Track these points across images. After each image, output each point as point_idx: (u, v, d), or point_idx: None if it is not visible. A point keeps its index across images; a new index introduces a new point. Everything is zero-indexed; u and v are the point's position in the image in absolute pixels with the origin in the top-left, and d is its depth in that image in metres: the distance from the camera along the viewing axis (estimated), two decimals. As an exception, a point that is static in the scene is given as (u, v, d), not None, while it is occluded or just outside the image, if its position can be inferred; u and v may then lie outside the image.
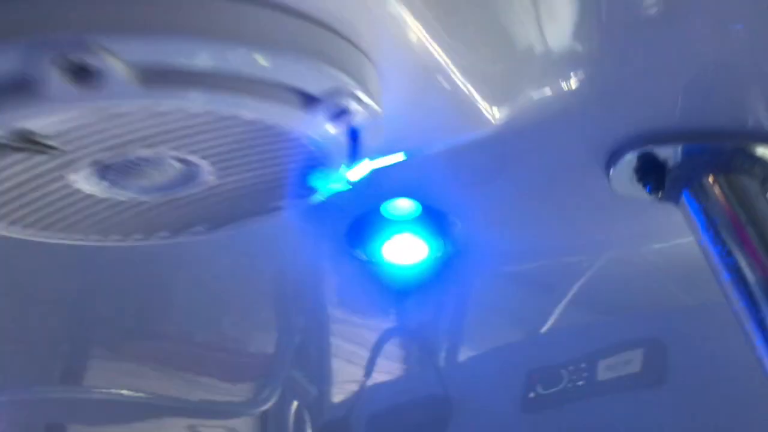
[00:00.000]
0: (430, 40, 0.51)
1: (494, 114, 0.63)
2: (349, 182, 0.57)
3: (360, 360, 1.33)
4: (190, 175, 0.52)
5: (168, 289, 1.12)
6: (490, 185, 0.78)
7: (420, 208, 0.84)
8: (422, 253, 0.88)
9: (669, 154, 0.71)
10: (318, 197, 0.57)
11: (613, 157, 0.72)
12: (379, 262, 0.89)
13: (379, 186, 0.79)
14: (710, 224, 0.71)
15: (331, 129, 0.47)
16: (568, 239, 1.03)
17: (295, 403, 1.43)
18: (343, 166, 0.53)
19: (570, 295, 1.20)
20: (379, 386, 1.38)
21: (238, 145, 0.48)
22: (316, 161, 0.52)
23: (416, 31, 0.50)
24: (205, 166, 0.51)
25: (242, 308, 1.22)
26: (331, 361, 1.38)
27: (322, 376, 1.40)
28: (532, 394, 1.19)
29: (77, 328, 1.19)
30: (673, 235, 0.96)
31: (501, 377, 1.24)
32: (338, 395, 1.43)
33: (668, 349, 1.08)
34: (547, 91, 0.63)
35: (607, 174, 0.73)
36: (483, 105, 0.61)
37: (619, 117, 0.69)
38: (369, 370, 1.33)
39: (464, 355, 1.37)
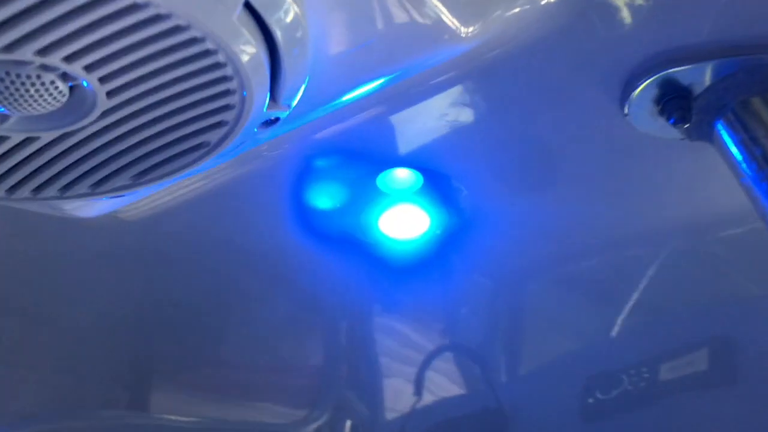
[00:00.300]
0: None
1: (467, 31, 0.51)
2: (286, 107, 0.46)
3: (410, 376, 1.23)
4: (79, 98, 0.41)
5: (224, 316, 1.07)
6: (493, 138, 0.65)
7: (420, 178, 0.72)
8: (423, 225, 0.75)
9: (694, 77, 0.57)
10: (246, 126, 0.46)
11: (627, 87, 0.59)
12: (377, 238, 0.77)
13: (372, 155, 0.69)
14: (752, 157, 0.57)
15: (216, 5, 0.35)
16: (607, 215, 0.89)
17: (348, 423, 1.34)
18: (262, 78, 0.42)
19: (632, 303, 1.06)
20: (431, 402, 1.27)
21: (115, 46, 0.38)
22: (223, 70, 0.41)
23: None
24: (92, 82, 0.41)
25: (296, 330, 1.15)
26: (382, 379, 1.29)
27: (373, 395, 1.30)
28: (590, 400, 1.09)
29: (140, 356, 1.16)
30: (741, 221, 0.84)
31: (557, 385, 1.15)
32: (391, 413, 1.33)
33: (737, 344, 0.97)
34: (522, 7, 0.51)
35: (623, 109, 0.60)
36: (451, 21, 0.50)
37: (626, 35, 0.55)
38: (420, 386, 1.23)
39: (518, 365, 1.25)
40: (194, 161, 0.49)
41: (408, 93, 0.58)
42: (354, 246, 0.82)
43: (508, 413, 1.17)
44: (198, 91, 0.42)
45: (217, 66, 0.41)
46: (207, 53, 0.40)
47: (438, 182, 0.72)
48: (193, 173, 0.60)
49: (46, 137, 0.45)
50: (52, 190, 0.49)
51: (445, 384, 1.30)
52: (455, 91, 0.59)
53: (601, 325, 1.09)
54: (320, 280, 0.98)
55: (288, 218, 0.76)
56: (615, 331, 1.08)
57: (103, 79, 0.41)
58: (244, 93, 0.42)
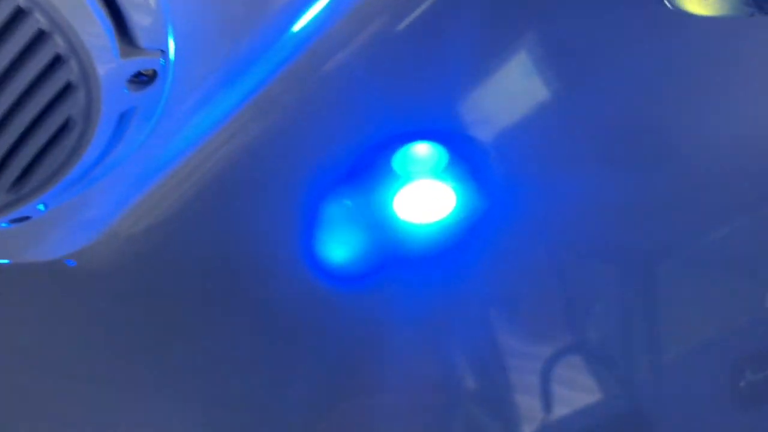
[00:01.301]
0: None
1: None
2: (156, 53, 0.34)
3: (537, 388, 1.15)
4: None
5: (364, 340, 1.00)
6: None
7: (442, 152, 0.58)
8: (447, 206, 0.61)
9: None
10: (103, 83, 0.33)
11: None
12: (394, 222, 0.63)
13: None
14: None
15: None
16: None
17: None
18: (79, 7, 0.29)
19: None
20: (565, 412, 1.18)
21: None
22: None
23: None
24: None
25: (414, 346, 1.05)
26: (510, 393, 1.19)
27: (503, 410, 1.21)
28: (742, 384, 0.99)
29: (276, 411, 1.10)
30: None
31: (701, 374, 1.03)
32: (525, 427, 1.23)
33: None
34: None
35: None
36: None
37: None
38: (548, 396, 1.14)
39: (654, 359, 1.14)
40: (74, 150, 0.37)
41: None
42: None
43: (649, 414, 1.07)
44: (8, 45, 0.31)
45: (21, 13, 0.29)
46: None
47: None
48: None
49: None
50: None
51: (574, 392, 1.19)
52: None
53: (748, 300, 0.97)
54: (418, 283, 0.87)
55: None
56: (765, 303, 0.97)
57: None
58: (65, 36, 0.30)
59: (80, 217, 0.51)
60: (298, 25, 0.43)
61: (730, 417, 0.98)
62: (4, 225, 0.41)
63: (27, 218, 0.42)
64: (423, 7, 0.49)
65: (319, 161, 0.59)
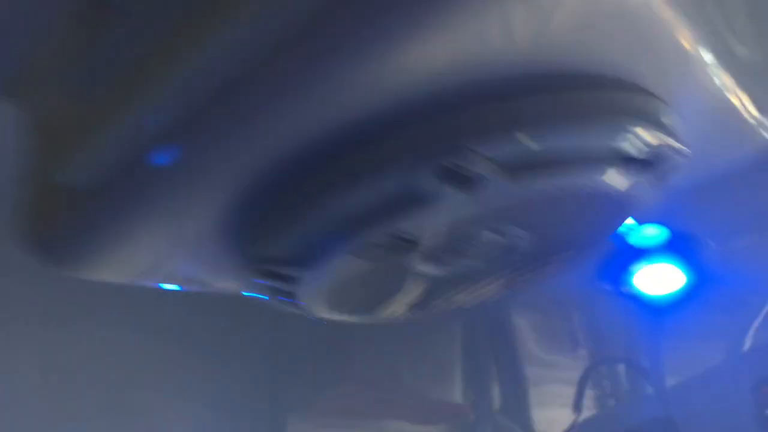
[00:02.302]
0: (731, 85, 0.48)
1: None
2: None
3: (567, 398, 1.25)
4: (510, 247, 0.51)
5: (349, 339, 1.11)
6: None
7: (667, 233, 0.79)
8: (677, 281, 0.83)
9: None
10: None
11: None
12: (633, 293, 0.84)
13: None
14: None
15: (646, 182, 0.45)
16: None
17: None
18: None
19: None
20: (593, 420, 1.30)
21: (556, 211, 0.48)
22: (624, 208, 0.50)
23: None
24: (523, 236, 0.50)
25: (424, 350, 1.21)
26: (538, 402, 1.32)
27: (532, 420, 1.32)
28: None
29: (274, 385, 1.22)
30: None
31: (724, 390, 1.15)
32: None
33: None
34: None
35: None
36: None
37: None
38: (579, 406, 1.24)
39: (681, 373, 1.26)
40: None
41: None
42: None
43: (679, 423, 1.15)
44: (596, 225, 0.51)
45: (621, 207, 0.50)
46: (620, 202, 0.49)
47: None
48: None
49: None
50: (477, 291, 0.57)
51: (604, 400, 1.33)
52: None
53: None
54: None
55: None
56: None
57: (532, 232, 0.50)
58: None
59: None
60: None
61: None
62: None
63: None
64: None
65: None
